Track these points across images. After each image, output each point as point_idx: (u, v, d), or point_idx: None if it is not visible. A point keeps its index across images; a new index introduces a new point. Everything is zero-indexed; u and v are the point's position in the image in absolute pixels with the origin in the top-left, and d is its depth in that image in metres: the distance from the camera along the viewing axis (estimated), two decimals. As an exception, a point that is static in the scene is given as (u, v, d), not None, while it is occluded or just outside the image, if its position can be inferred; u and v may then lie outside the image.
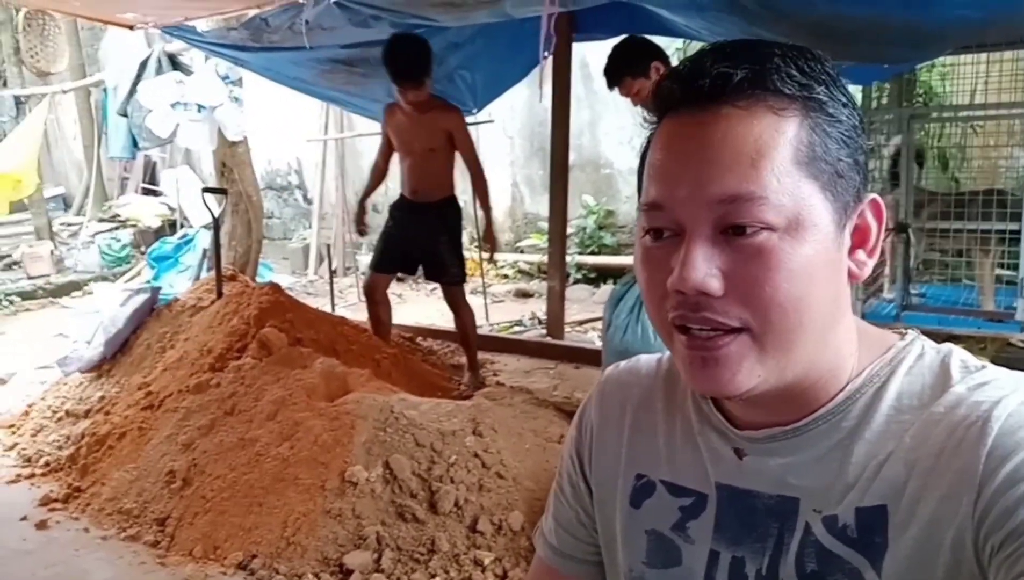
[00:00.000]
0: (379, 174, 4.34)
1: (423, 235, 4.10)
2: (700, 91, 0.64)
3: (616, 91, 3.32)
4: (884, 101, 3.92)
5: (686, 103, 0.65)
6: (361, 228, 4.42)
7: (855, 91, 4.15)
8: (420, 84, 3.75)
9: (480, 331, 4.67)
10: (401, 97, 3.82)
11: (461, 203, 4.27)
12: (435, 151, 3.99)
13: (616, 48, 3.31)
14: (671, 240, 0.66)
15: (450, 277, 4.19)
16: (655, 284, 0.67)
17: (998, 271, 3.80)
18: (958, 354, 0.70)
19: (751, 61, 0.64)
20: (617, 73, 3.27)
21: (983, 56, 3.75)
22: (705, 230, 0.63)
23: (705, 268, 0.63)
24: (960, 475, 0.61)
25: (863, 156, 0.67)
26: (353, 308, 6.50)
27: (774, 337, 0.64)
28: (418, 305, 6.75)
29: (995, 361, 3.76)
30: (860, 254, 0.68)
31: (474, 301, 4.52)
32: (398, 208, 4.23)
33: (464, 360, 4.46)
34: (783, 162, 0.63)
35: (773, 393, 0.66)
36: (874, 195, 0.68)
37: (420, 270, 4.31)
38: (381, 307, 4.28)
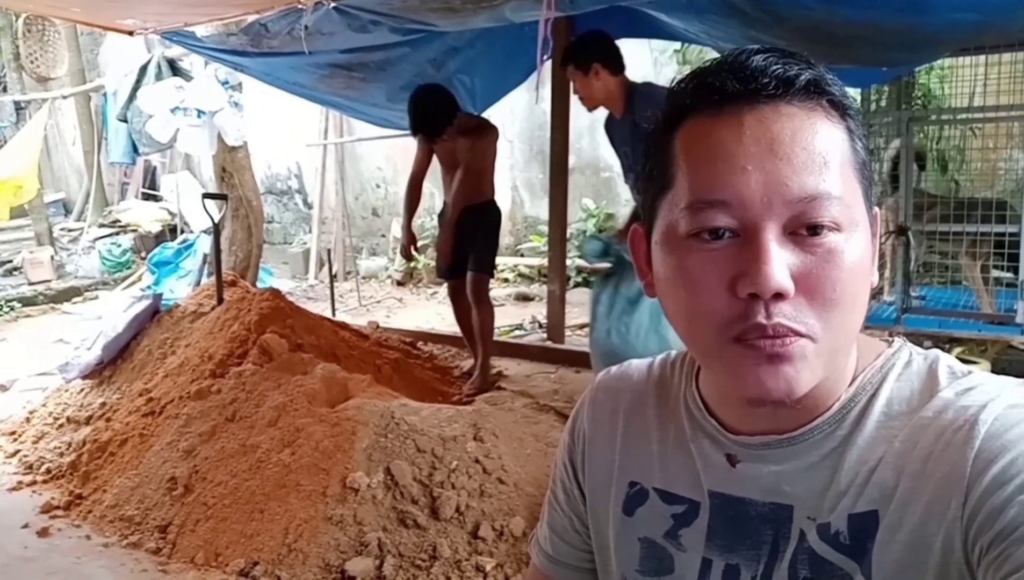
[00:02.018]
0: (418, 190, 4.46)
1: (467, 234, 4.16)
2: (764, 88, 0.63)
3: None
4: (883, 104, 3.92)
5: (736, 100, 0.64)
6: (411, 255, 4.57)
7: (854, 93, 4.16)
8: (439, 134, 3.97)
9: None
10: None
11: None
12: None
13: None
14: (731, 240, 0.63)
15: (479, 265, 4.23)
16: (709, 290, 0.64)
17: (998, 274, 3.79)
18: (945, 360, 0.70)
19: (807, 65, 0.64)
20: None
21: (981, 58, 3.74)
22: (776, 229, 0.62)
23: (784, 268, 0.61)
24: (948, 478, 0.61)
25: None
26: (354, 313, 6.51)
27: (831, 337, 0.63)
28: (418, 309, 6.76)
29: (996, 364, 3.75)
30: None
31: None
32: (445, 215, 4.37)
33: (466, 364, 4.45)
34: (844, 164, 0.64)
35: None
36: (876, 209, 0.70)
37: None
38: (462, 309, 4.40)
